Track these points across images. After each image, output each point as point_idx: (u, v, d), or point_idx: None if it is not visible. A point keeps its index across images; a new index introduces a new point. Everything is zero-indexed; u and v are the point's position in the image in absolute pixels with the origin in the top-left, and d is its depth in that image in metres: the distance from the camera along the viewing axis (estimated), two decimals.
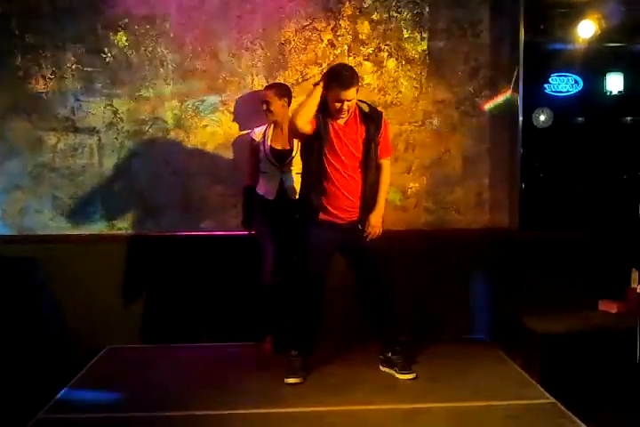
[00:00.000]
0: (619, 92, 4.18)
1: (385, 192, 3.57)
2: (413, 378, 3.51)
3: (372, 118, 3.46)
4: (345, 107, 3.29)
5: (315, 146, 3.40)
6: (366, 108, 3.47)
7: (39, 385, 3.49)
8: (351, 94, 3.28)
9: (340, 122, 3.40)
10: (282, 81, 4.05)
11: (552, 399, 3.24)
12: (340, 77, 3.28)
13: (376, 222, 3.48)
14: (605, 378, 3.42)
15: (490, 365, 3.76)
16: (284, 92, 3.85)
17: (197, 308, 4.16)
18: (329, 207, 3.45)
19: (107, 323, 4.05)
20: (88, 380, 3.64)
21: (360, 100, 3.47)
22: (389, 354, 3.60)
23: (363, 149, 3.43)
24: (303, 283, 3.54)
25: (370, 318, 3.65)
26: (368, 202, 3.48)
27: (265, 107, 3.80)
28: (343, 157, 3.41)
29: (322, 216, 3.46)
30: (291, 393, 3.35)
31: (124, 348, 4.09)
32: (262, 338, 4.01)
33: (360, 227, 3.47)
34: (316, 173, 3.42)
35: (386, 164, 3.58)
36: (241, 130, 4.14)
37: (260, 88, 4.11)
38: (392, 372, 3.58)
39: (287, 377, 3.45)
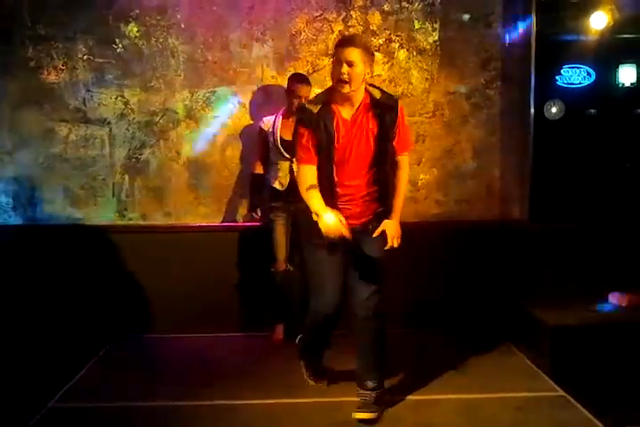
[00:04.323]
0: (631, 84, 4.13)
1: (402, 194, 3.06)
2: (369, 419, 2.93)
3: (385, 106, 2.90)
4: (344, 71, 2.75)
5: (322, 144, 2.87)
6: (378, 95, 2.93)
7: (49, 375, 3.51)
8: (350, 54, 2.76)
9: (345, 114, 2.88)
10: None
11: (561, 392, 3.25)
12: (340, 38, 3.00)
13: (394, 232, 2.95)
14: (615, 371, 3.41)
15: (499, 357, 3.77)
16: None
17: (208, 298, 4.17)
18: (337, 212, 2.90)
19: (117, 313, 4.09)
20: (98, 369, 3.68)
21: (373, 86, 2.99)
22: (359, 388, 3.06)
23: (375, 145, 2.89)
24: (316, 308, 3.04)
25: (356, 348, 3.10)
26: (382, 206, 2.99)
27: (298, 102, 3.67)
28: (351, 156, 2.90)
29: None
30: (301, 384, 3.34)
31: (134, 337, 4.12)
32: (272, 327, 4.03)
33: (370, 231, 2.95)
34: (325, 176, 2.90)
35: (404, 161, 3.04)
36: (252, 120, 4.15)
37: (270, 79, 4.11)
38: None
39: None
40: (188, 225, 4.20)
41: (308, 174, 2.91)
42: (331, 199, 2.89)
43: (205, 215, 4.21)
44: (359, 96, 2.88)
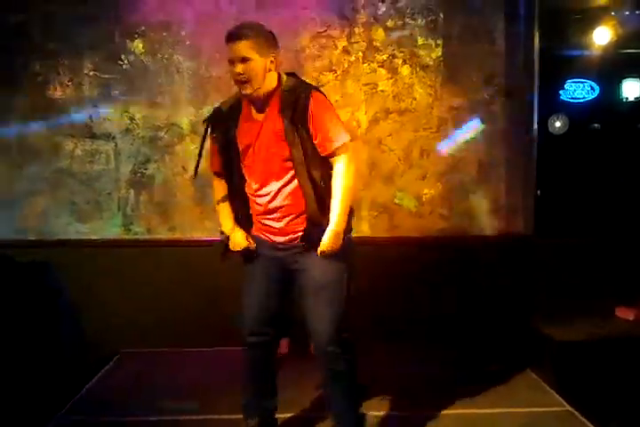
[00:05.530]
0: (635, 98, 4.16)
1: (343, 202, 2.48)
2: None
3: (288, 99, 2.46)
4: (238, 70, 2.41)
5: (231, 152, 2.60)
6: (289, 84, 2.52)
7: (56, 388, 3.51)
8: (240, 50, 2.40)
9: (255, 113, 2.54)
10: None
11: (568, 407, 3.23)
12: (227, 32, 2.47)
13: (330, 243, 2.47)
14: (622, 386, 3.39)
15: (505, 372, 3.74)
16: None
17: (213, 312, 4.16)
18: (258, 225, 2.67)
19: (122, 327, 4.08)
20: (103, 383, 3.68)
21: (289, 74, 2.62)
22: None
23: (286, 147, 2.46)
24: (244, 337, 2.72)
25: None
26: (316, 223, 2.50)
27: None
28: (259, 160, 2.53)
29: (253, 231, 2.71)
30: (299, 399, 3.31)
31: (138, 352, 4.12)
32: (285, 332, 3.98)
33: (304, 245, 2.54)
34: (237, 187, 2.66)
35: (337, 163, 2.48)
36: None
37: None
38: None
39: None
40: (193, 239, 4.21)
41: (217, 187, 2.77)
42: (246, 210, 2.68)
43: (211, 230, 4.20)
44: (271, 90, 2.50)
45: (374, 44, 4.17)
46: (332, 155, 2.49)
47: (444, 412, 3.19)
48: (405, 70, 4.18)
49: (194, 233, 4.22)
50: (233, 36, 2.43)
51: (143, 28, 4.11)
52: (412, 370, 3.72)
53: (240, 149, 2.58)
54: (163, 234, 4.23)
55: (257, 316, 2.67)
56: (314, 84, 4.03)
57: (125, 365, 3.98)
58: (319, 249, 2.48)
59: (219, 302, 4.15)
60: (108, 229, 4.22)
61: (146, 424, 3.12)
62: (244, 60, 2.42)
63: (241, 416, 2.91)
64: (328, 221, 2.49)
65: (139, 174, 4.21)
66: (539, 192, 4.10)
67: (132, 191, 4.21)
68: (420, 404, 3.28)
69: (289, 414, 3.14)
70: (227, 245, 2.73)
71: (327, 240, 2.47)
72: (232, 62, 2.44)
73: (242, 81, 2.44)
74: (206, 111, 4.09)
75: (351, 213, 2.61)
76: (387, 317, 3.99)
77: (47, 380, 3.59)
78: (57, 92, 4.15)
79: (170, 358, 4.06)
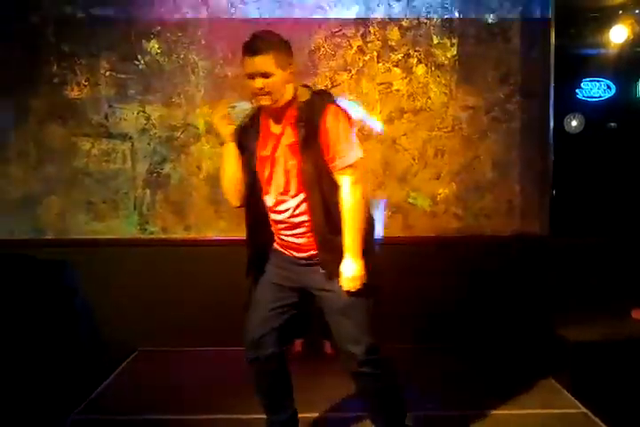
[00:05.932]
0: None
1: (350, 226, 2.35)
2: None
3: (304, 112, 2.37)
4: (259, 85, 2.30)
5: (253, 165, 2.50)
6: (304, 98, 2.42)
7: (72, 387, 3.54)
8: (258, 64, 2.28)
9: (274, 127, 2.45)
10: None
11: (583, 409, 3.22)
12: (245, 43, 2.34)
13: (351, 274, 2.37)
14: (638, 388, 3.37)
15: (520, 373, 3.74)
16: None
17: (228, 312, 4.18)
18: (279, 241, 2.61)
19: (138, 326, 4.11)
20: (120, 382, 3.71)
21: (305, 86, 2.52)
22: None
23: (299, 163, 2.37)
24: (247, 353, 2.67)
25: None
26: (326, 240, 2.41)
27: None
28: (275, 176, 2.45)
29: (275, 246, 2.66)
30: (319, 399, 3.32)
31: (155, 351, 4.15)
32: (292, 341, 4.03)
33: (322, 270, 2.45)
34: (255, 200, 2.55)
35: (344, 182, 2.37)
36: None
37: None
38: None
39: None
40: (208, 239, 4.23)
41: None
42: (266, 226, 2.59)
43: (225, 229, 4.23)
44: (287, 102, 2.41)
45: (389, 43, 4.16)
46: (340, 173, 2.37)
47: (455, 413, 3.20)
48: (420, 70, 4.17)
49: (209, 232, 4.24)
50: (253, 50, 2.30)
51: (159, 28, 4.13)
52: (423, 371, 3.72)
53: (259, 161, 2.48)
54: (178, 233, 4.25)
55: (255, 333, 2.61)
56: (328, 83, 4.13)
57: (142, 363, 4.02)
58: (345, 280, 2.38)
59: (235, 301, 4.16)
60: (124, 228, 4.25)
61: (162, 423, 3.14)
62: (266, 75, 2.30)
63: (254, 416, 2.95)
64: (338, 238, 2.37)
65: (155, 174, 4.23)
66: (554, 192, 4.08)
67: (147, 191, 4.24)
68: (436, 404, 3.28)
69: (303, 415, 3.13)
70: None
71: (348, 271, 2.37)
72: (252, 77, 2.32)
73: (262, 94, 2.34)
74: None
75: (371, 231, 2.53)
76: (400, 317, 3.97)
77: (64, 378, 3.62)
78: (74, 93, 4.18)
79: (187, 357, 4.09)
